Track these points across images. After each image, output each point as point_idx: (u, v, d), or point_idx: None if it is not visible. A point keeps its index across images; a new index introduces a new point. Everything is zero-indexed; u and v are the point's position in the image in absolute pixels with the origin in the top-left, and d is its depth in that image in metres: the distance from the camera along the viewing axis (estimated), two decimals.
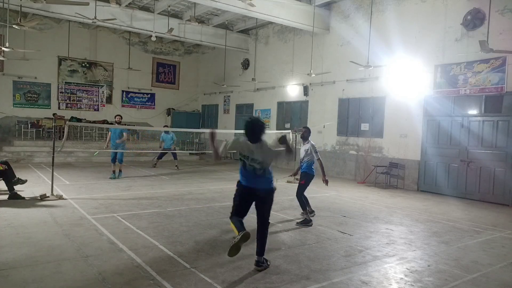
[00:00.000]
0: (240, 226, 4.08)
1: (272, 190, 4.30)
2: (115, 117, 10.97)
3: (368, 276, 4.27)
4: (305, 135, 6.77)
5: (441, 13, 10.32)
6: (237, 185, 4.32)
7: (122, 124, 11.31)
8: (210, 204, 7.80)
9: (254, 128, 4.15)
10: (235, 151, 4.13)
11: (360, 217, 7.05)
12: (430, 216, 7.49)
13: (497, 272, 4.55)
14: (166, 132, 13.32)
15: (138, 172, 12.31)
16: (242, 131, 4.22)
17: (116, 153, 10.51)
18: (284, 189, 10.16)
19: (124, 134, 10.57)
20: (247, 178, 4.22)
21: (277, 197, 9.00)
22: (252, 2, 10.60)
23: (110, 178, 10.55)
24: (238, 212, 4.24)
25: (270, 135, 15.98)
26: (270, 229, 6.00)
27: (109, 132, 10.78)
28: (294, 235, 5.78)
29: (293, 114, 15.31)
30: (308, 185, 6.63)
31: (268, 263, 4.37)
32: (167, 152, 13.81)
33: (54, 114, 16.28)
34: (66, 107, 18.02)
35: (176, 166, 13.57)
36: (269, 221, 4.47)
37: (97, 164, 13.86)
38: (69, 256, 4.46)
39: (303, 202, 6.53)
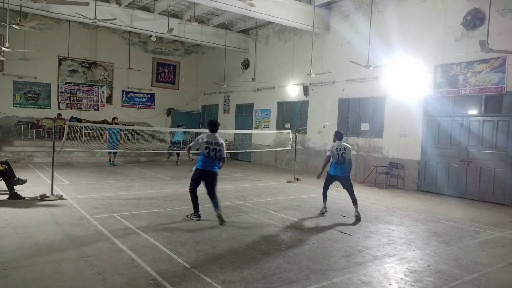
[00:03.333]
0: (197, 207, 6.43)
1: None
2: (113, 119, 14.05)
3: (368, 276, 4.27)
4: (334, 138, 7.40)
5: (441, 13, 10.32)
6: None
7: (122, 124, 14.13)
8: (210, 204, 7.77)
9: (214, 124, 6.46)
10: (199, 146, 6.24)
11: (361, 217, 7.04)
12: (430, 216, 7.49)
13: (497, 272, 4.55)
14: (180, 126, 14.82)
15: (138, 172, 12.31)
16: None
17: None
18: (284, 189, 10.17)
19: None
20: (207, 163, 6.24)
21: (277, 197, 9.04)
22: (252, 2, 10.59)
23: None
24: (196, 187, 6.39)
25: (270, 135, 16.02)
26: (270, 228, 6.02)
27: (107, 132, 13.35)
28: (294, 235, 5.78)
29: (293, 114, 15.31)
30: (327, 183, 7.32)
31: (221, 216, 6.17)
32: (178, 149, 14.90)
33: (59, 115, 16.32)
34: (66, 107, 18.01)
35: (169, 158, 15.27)
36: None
37: (97, 164, 13.86)
38: (69, 256, 4.46)
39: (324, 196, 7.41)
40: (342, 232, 6.03)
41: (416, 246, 5.45)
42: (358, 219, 6.77)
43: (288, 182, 11.36)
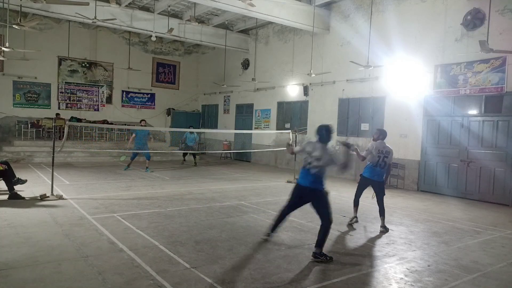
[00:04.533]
0: (274, 225, 5.14)
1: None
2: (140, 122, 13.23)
3: (368, 276, 4.27)
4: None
5: (441, 13, 10.32)
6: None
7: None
8: (210, 204, 7.80)
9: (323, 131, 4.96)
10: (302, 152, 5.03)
11: (360, 217, 7.03)
12: (430, 216, 7.49)
13: (497, 272, 4.55)
14: (191, 132, 14.63)
15: (138, 172, 12.29)
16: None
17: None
18: (284, 189, 10.16)
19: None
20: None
21: (277, 197, 9.03)
22: (252, 2, 10.59)
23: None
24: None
25: (270, 135, 16.01)
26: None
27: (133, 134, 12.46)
28: (294, 235, 5.78)
29: (293, 114, 15.31)
30: (361, 188, 6.56)
31: (327, 258, 4.67)
32: (188, 152, 15.01)
33: (57, 114, 16.31)
34: (66, 107, 18.01)
35: (194, 162, 15.08)
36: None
37: (97, 164, 13.87)
38: (69, 256, 4.46)
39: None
40: (342, 232, 6.03)
41: (416, 246, 5.45)
42: (384, 232, 6.09)
43: (288, 182, 11.36)
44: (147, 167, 12.47)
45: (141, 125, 12.96)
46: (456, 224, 6.89)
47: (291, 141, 5.33)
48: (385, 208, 6.34)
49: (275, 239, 5.48)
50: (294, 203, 5.00)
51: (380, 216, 6.28)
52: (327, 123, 5.12)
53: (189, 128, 14.82)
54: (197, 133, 15.07)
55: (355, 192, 6.67)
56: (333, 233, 5.94)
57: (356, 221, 6.54)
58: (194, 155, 15.26)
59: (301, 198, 4.91)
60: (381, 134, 6.37)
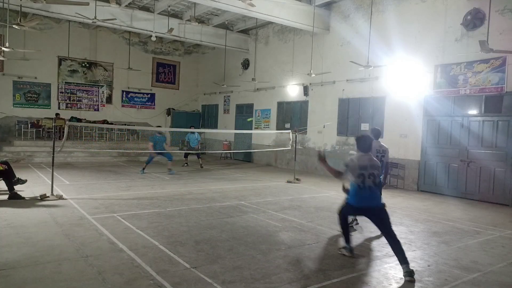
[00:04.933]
0: (348, 236, 4.99)
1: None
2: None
3: (368, 276, 4.27)
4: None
5: (441, 13, 10.32)
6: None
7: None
8: (210, 204, 7.80)
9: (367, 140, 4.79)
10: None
11: (360, 217, 7.02)
12: (430, 216, 7.48)
13: (497, 272, 4.55)
14: (192, 132, 14.13)
15: (138, 172, 12.27)
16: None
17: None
18: (284, 189, 10.17)
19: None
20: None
21: (277, 197, 9.02)
22: (252, 2, 10.59)
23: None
24: None
25: (270, 135, 16.02)
26: (270, 228, 6.01)
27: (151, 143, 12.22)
28: (294, 235, 5.78)
29: (293, 114, 15.30)
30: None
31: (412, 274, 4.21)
32: (191, 152, 14.59)
33: (57, 114, 16.32)
34: (66, 107, 18.01)
35: (200, 164, 14.39)
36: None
37: (97, 164, 13.86)
38: (69, 256, 4.46)
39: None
40: (342, 232, 6.02)
41: (416, 246, 5.45)
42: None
43: (288, 182, 11.36)
44: (170, 169, 12.28)
45: (157, 134, 12.42)
46: (456, 224, 6.89)
47: (322, 152, 4.88)
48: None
49: (275, 239, 5.49)
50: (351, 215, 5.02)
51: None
52: (364, 133, 4.97)
53: (190, 128, 14.36)
54: (198, 133, 14.79)
55: None
56: (333, 233, 5.95)
57: (357, 223, 6.41)
58: (198, 155, 14.87)
59: (364, 216, 4.83)
60: (374, 133, 6.29)
